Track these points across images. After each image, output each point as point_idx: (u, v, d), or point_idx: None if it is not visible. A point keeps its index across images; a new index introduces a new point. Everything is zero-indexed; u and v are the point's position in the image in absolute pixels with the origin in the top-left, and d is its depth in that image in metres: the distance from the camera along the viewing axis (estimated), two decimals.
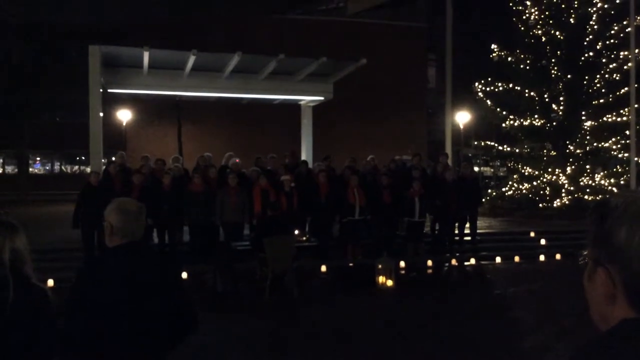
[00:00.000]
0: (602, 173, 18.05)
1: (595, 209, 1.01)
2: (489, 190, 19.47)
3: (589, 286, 1.00)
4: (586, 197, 16.31)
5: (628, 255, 0.92)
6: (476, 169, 26.96)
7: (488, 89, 18.30)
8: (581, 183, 17.10)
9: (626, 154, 16.45)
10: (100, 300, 2.30)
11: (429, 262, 10.93)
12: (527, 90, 17.88)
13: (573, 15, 17.26)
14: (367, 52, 15.53)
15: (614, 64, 17.15)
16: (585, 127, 17.45)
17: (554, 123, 17.58)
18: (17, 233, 2.29)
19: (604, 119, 17.21)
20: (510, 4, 18.14)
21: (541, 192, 17.20)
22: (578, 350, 0.96)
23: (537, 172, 17.83)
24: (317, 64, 13.31)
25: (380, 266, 9.08)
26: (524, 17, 17.91)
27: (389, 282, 9.00)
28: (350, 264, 10.65)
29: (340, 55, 16.14)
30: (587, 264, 1.00)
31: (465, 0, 22.12)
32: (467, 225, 11.57)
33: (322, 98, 15.40)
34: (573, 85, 17.21)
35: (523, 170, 18.22)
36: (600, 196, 15.80)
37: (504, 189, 18.58)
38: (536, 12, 17.60)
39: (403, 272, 10.27)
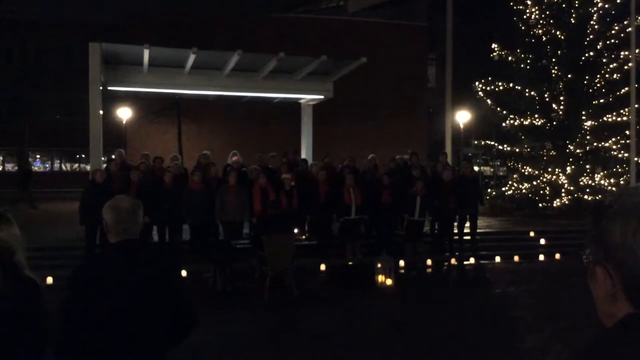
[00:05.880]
0: (602, 173, 18.03)
1: (592, 208, 1.05)
2: (489, 190, 19.45)
3: (592, 286, 1.01)
4: (586, 197, 16.30)
5: (622, 252, 0.93)
6: (476, 168, 26.88)
7: (488, 88, 18.28)
8: (581, 183, 17.08)
9: (626, 154, 16.43)
10: (97, 297, 2.28)
11: (429, 262, 10.94)
12: (527, 90, 17.86)
13: (574, 15, 17.24)
14: (367, 51, 15.51)
15: (615, 64, 17.13)
16: (586, 127, 17.44)
17: (554, 123, 17.56)
18: (2, 223, 2.29)
19: (604, 118, 17.20)
20: (511, 4, 18.11)
21: (541, 191, 17.19)
22: (581, 347, 0.96)
23: (537, 172, 17.81)
24: (317, 63, 13.31)
25: (379, 265, 9.09)
26: (525, 17, 17.89)
27: (389, 281, 9.00)
28: (350, 263, 10.66)
29: (341, 54, 16.11)
30: (590, 264, 1.01)
31: None
32: (467, 224, 11.57)
33: (322, 97, 15.40)
34: (573, 85, 17.19)
35: (523, 170, 18.21)
36: (599, 196, 15.82)
37: (503, 189, 18.56)
38: (537, 12, 17.58)
39: (402, 271, 10.28)
